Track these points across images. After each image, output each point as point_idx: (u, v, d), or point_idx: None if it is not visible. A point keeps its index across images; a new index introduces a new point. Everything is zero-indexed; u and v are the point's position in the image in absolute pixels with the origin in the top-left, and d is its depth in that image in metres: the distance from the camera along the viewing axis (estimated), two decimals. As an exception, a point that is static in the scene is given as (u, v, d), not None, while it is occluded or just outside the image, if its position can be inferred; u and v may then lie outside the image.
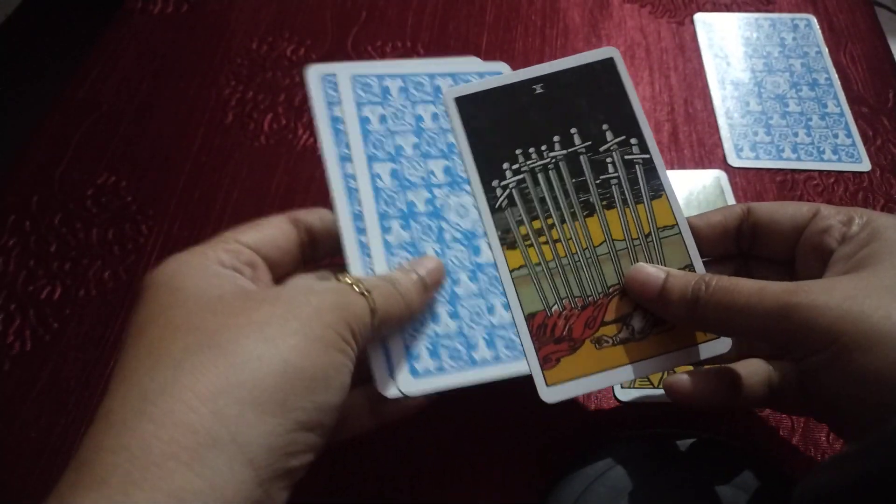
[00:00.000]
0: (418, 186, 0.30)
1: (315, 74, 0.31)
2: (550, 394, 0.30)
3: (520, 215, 0.32)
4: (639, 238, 0.32)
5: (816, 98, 0.51)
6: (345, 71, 0.32)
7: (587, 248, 0.32)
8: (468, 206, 0.31)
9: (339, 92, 0.31)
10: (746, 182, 0.46)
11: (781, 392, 0.29)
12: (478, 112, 0.33)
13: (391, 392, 0.27)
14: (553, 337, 0.30)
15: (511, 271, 0.31)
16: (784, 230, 0.31)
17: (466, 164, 0.32)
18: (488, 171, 0.32)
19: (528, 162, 0.33)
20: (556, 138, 0.33)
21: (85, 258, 0.42)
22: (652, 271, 0.30)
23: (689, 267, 0.32)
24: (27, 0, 1.49)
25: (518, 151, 0.33)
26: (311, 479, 0.22)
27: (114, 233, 0.44)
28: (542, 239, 0.32)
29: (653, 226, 0.32)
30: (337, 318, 0.23)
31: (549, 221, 0.32)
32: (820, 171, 0.47)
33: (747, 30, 0.56)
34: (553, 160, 0.33)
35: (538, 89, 0.34)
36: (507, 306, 0.30)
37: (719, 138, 0.48)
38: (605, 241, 0.32)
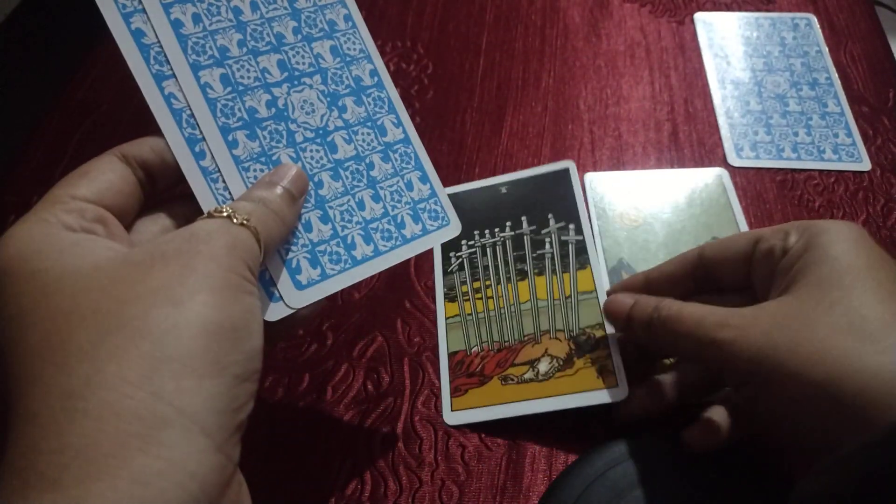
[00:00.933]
0: (255, 89, 0.28)
1: None
2: (453, 417, 0.35)
3: (465, 277, 0.40)
4: (559, 299, 0.38)
5: (817, 97, 0.51)
6: None
7: (513, 304, 0.39)
8: (314, 101, 0.29)
9: None
10: (747, 182, 0.46)
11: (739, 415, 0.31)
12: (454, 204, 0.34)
13: (276, 314, 0.26)
14: (467, 371, 0.37)
15: (447, 318, 0.39)
16: (734, 264, 0.32)
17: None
18: (451, 245, 0.41)
19: (482, 239, 0.41)
20: (507, 223, 0.42)
21: (85, 258, 0.42)
22: (622, 299, 0.33)
23: (600, 325, 0.37)
24: (27, 0, 1.49)
25: (475, 232, 0.42)
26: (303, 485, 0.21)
27: (114, 233, 0.44)
28: (478, 296, 0.39)
29: (574, 290, 0.39)
30: (233, 259, 0.22)
31: (487, 283, 0.40)
32: (820, 171, 0.47)
33: (747, 29, 0.56)
34: (502, 239, 0.41)
35: (504, 189, 0.43)
36: (377, 198, 0.30)
37: (719, 138, 0.48)
38: (530, 299, 0.39)
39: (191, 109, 0.26)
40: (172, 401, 0.18)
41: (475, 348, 0.37)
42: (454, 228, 0.31)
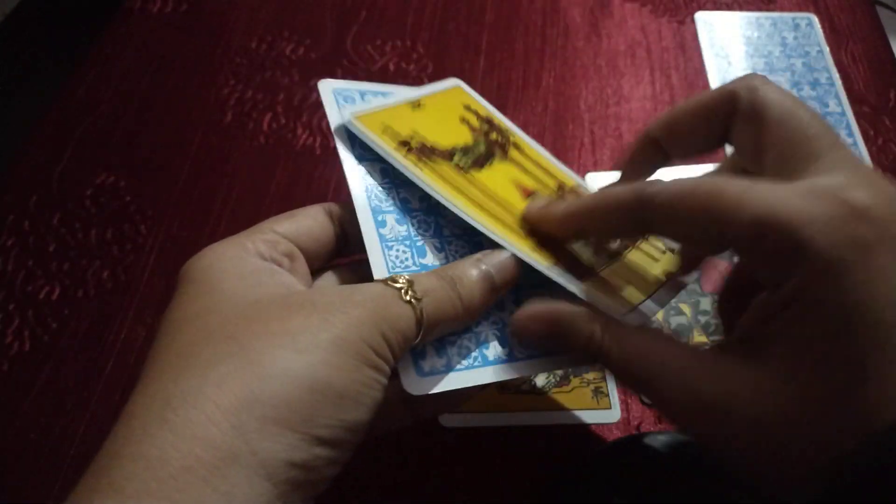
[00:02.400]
0: (412, 186, 0.28)
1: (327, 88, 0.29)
2: (448, 419, 0.35)
3: None
4: None
5: (818, 97, 0.51)
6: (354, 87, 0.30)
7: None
8: None
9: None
10: (747, 182, 0.46)
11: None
12: None
13: (416, 390, 0.25)
14: None
15: None
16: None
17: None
18: None
19: None
20: None
21: (84, 258, 0.42)
22: (571, 200, 0.27)
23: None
24: (26, 0, 1.49)
25: None
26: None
27: (113, 233, 0.43)
28: None
29: None
30: (374, 332, 0.21)
31: None
32: (821, 171, 0.47)
33: (748, 29, 0.56)
34: None
35: None
36: (518, 301, 0.27)
37: (720, 138, 0.48)
38: None
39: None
40: (250, 440, 0.18)
41: None
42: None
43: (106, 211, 0.45)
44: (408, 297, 0.22)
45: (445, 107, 0.32)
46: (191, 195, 0.45)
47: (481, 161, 0.30)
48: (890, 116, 0.50)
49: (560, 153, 0.48)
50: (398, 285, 0.23)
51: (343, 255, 0.28)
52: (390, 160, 0.27)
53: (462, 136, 0.31)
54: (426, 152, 0.28)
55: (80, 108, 0.50)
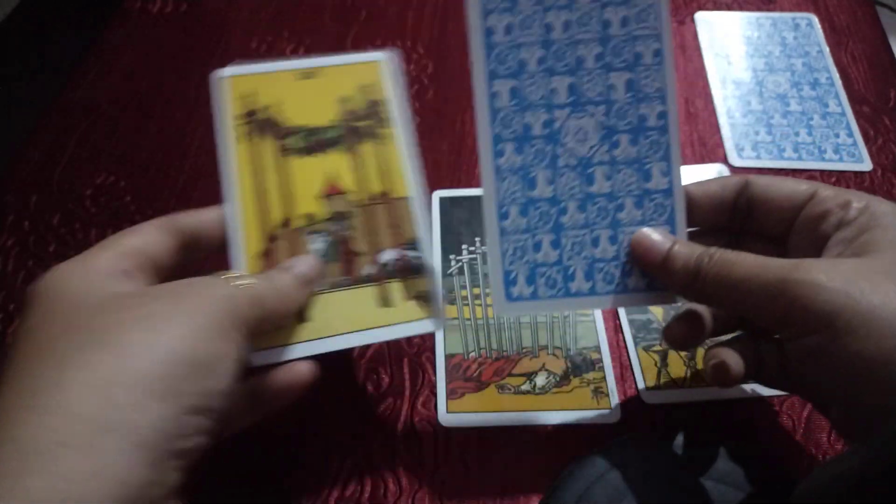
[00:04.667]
0: (538, 107, 0.29)
1: None
2: (448, 419, 0.35)
3: (464, 282, 0.40)
4: (558, 317, 0.38)
5: (818, 97, 0.51)
6: None
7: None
8: (588, 130, 0.29)
9: None
10: (747, 182, 0.46)
11: (762, 369, 0.29)
12: (453, 209, 0.34)
13: (505, 312, 0.29)
14: (464, 376, 0.36)
15: (447, 319, 0.38)
16: (781, 209, 0.30)
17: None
18: (451, 249, 0.41)
19: (483, 247, 0.41)
20: None
21: (84, 258, 0.42)
22: (658, 238, 0.29)
23: (596, 348, 0.37)
24: (26, 0, 1.49)
25: (476, 239, 0.42)
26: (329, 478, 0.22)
27: (112, 233, 0.43)
28: (478, 302, 0.39)
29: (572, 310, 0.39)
30: (220, 309, 0.24)
31: (487, 290, 0.39)
32: (821, 171, 0.47)
33: (748, 29, 0.56)
34: None
35: None
36: (614, 240, 0.29)
37: (720, 138, 0.48)
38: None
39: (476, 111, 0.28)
40: (121, 411, 0.20)
41: (472, 353, 0.37)
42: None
43: (106, 211, 0.45)
44: (233, 284, 0.26)
45: (338, 81, 0.32)
46: (190, 195, 0.45)
47: (317, 147, 0.31)
48: (890, 116, 0.50)
49: (560, 153, 0.48)
50: (229, 276, 0.27)
51: (191, 264, 0.30)
52: (217, 127, 0.29)
53: (322, 117, 0.32)
54: (263, 127, 0.30)
55: (80, 108, 0.50)
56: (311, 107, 0.31)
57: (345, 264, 0.30)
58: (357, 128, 0.32)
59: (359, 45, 0.54)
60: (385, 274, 0.30)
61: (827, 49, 0.54)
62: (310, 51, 0.54)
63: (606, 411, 0.35)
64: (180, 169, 0.46)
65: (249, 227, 0.30)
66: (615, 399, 0.36)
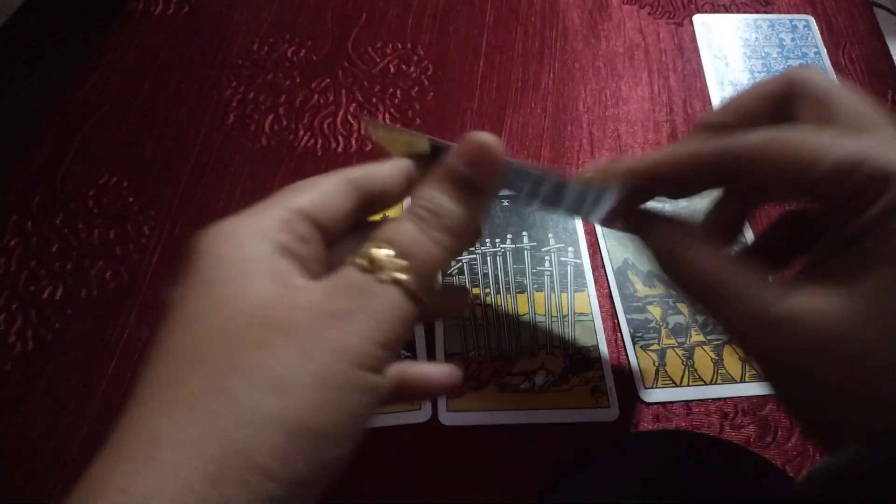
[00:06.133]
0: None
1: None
2: (449, 417, 0.36)
3: (464, 282, 0.41)
4: (557, 316, 0.39)
5: (815, 99, 0.51)
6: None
7: (512, 315, 0.40)
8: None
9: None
10: (745, 182, 0.46)
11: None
12: None
13: None
14: (464, 374, 0.35)
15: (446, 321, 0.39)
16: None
17: None
18: None
19: (482, 248, 0.42)
20: (508, 236, 0.43)
21: (87, 258, 0.43)
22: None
23: (594, 347, 0.38)
24: (29, 1, 1.49)
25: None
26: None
27: (115, 233, 0.44)
28: (477, 302, 0.40)
29: (571, 310, 0.40)
30: (358, 346, 0.20)
31: (487, 290, 0.40)
32: (818, 172, 0.47)
33: (746, 31, 0.56)
34: (503, 250, 0.42)
35: (504, 202, 0.45)
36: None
37: (718, 139, 0.49)
38: (529, 313, 0.40)
39: None
40: (225, 491, 0.18)
41: (472, 353, 0.38)
42: None
43: (109, 211, 0.45)
44: (387, 278, 0.21)
45: None
46: (193, 196, 0.46)
47: None
48: (887, 118, 0.50)
49: (559, 154, 0.48)
50: (371, 265, 0.21)
51: (365, 221, 0.27)
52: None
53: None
54: None
55: (83, 109, 0.50)
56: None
57: None
58: None
59: (359, 47, 0.55)
60: None
61: (825, 51, 0.54)
62: (311, 53, 0.54)
63: (605, 409, 0.36)
64: (183, 170, 0.47)
65: None
66: (613, 397, 0.36)
